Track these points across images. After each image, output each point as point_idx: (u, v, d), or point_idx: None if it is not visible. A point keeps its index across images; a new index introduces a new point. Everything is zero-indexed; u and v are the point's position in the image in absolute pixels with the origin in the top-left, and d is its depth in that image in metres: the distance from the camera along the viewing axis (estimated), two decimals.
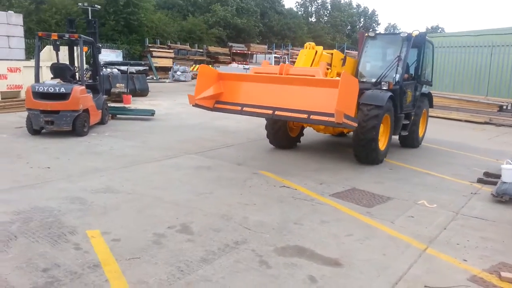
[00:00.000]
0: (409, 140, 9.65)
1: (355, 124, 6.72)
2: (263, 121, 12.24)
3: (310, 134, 10.10)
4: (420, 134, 10.00)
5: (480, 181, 6.96)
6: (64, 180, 6.03)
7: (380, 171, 7.44)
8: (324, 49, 8.30)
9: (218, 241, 4.21)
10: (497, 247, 4.39)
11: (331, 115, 6.01)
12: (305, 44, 8.42)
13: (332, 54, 8.40)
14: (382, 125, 7.74)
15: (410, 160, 8.45)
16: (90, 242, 4.04)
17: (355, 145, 7.73)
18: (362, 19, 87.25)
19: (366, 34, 9.46)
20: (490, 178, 7.03)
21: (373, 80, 8.49)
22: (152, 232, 4.34)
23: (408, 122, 9.00)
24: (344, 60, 8.65)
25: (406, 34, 8.51)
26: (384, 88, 8.04)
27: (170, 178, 6.39)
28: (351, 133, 8.43)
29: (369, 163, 7.76)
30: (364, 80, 8.68)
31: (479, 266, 3.94)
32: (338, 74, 8.10)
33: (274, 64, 33.71)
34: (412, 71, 9.23)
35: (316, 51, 8.08)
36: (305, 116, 6.52)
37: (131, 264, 3.66)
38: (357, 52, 13.47)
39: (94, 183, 5.93)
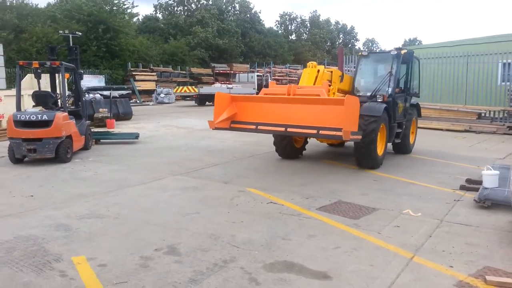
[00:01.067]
0: (402, 147, 10.30)
1: (360, 137, 7.60)
2: (248, 140, 12.35)
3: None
4: (411, 141, 10.77)
5: (462, 188, 7.08)
6: (48, 207, 5.95)
7: (365, 182, 7.52)
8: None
9: (207, 260, 4.19)
10: (481, 252, 4.46)
11: (338, 129, 6.87)
12: (308, 64, 9.25)
13: (331, 72, 9.25)
14: (379, 133, 8.48)
15: (394, 170, 8.56)
16: (76, 268, 3.99)
17: (357, 152, 8.46)
18: (341, 35, 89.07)
19: (360, 53, 10.41)
20: (472, 184, 7.15)
21: (368, 93, 9.27)
22: (139, 255, 4.30)
23: (401, 130, 9.78)
24: (342, 77, 9.50)
25: (396, 52, 9.39)
26: (379, 100, 8.85)
27: (156, 200, 6.36)
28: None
29: (370, 168, 8.48)
30: (360, 94, 9.46)
31: (465, 271, 3.99)
32: (339, 90, 9.28)
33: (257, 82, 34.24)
34: (402, 84, 9.96)
35: (319, 70, 8.89)
36: (314, 131, 7.33)
37: None
38: (337, 67, 13.80)
39: (79, 209, 5.87)
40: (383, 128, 8.79)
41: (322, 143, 10.90)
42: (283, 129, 7.66)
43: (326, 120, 7.20)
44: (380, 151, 8.69)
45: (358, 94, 9.34)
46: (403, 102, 9.87)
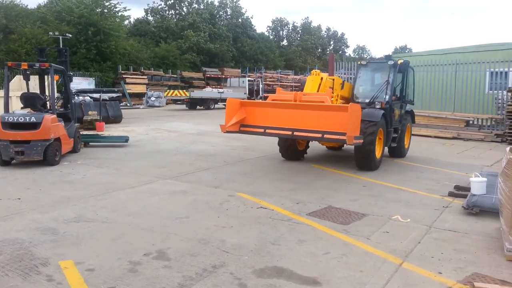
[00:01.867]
0: (397, 150, 10.74)
1: (362, 141, 8.04)
2: (239, 144, 12.33)
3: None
4: (406, 145, 11.27)
5: (451, 194, 7.14)
6: (35, 210, 5.87)
7: (354, 188, 7.55)
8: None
9: (196, 265, 4.16)
10: (470, 258, 4.49)
11: (342, 133, 7.41)
12: (312, 71, 9.90)
13: (333, 79, 9.96)
14: (377, 137, 9.01)
15: (383, 176, 8.61)
16: (63, 273, 3.93)
17: (357, 155, 9.02)
18: (332, 42, 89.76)
19: (359, 62, 11.04)
20: (461, 191, 7.21)
21: (367, 100, 9.80)
22: (128, 260, 4.26)
23: (397, 135, 10.31)
24: (342, 84, 10.25)
25: (393, 62, 9.88)
26: (378, 107, 9.43)
27: (145, 204, 6.31)
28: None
29: (368, 170, 8.98)
30: (359, 100, 9.96)
31: (454, 278, 4.01)
32: (341, 97, 10.09)
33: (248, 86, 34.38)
34: (398, 92, 10.38)
35: (322, 78, 9.54)
36: (319, 135, 7.89)
37: None
38: (327, 73, 13.95)
39: (67, 212, 5.79)
40: (381, 133, 9.30)
41: (323, 145, 11.62)
42: (289, 132, 8.14)
43: (330, 125, 7.67)
44: (378, 154, 9.20)
45: (357, 101, 9.87)
46: (399, 109, 10.37)
